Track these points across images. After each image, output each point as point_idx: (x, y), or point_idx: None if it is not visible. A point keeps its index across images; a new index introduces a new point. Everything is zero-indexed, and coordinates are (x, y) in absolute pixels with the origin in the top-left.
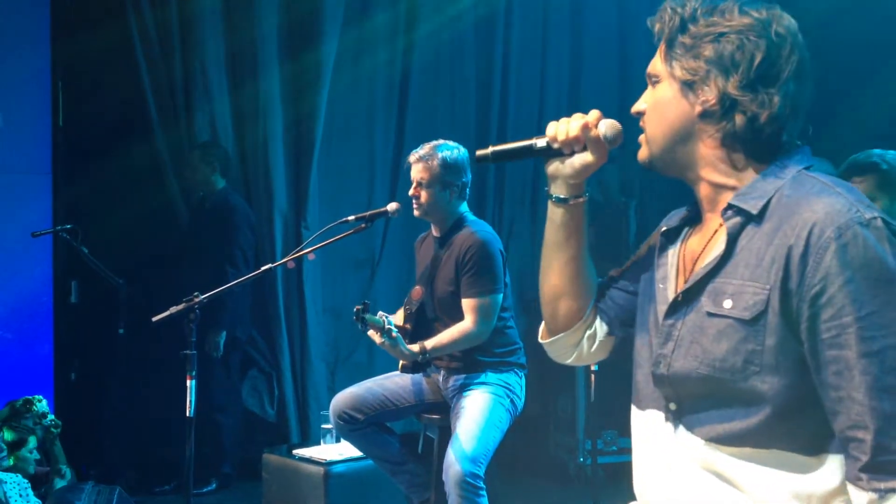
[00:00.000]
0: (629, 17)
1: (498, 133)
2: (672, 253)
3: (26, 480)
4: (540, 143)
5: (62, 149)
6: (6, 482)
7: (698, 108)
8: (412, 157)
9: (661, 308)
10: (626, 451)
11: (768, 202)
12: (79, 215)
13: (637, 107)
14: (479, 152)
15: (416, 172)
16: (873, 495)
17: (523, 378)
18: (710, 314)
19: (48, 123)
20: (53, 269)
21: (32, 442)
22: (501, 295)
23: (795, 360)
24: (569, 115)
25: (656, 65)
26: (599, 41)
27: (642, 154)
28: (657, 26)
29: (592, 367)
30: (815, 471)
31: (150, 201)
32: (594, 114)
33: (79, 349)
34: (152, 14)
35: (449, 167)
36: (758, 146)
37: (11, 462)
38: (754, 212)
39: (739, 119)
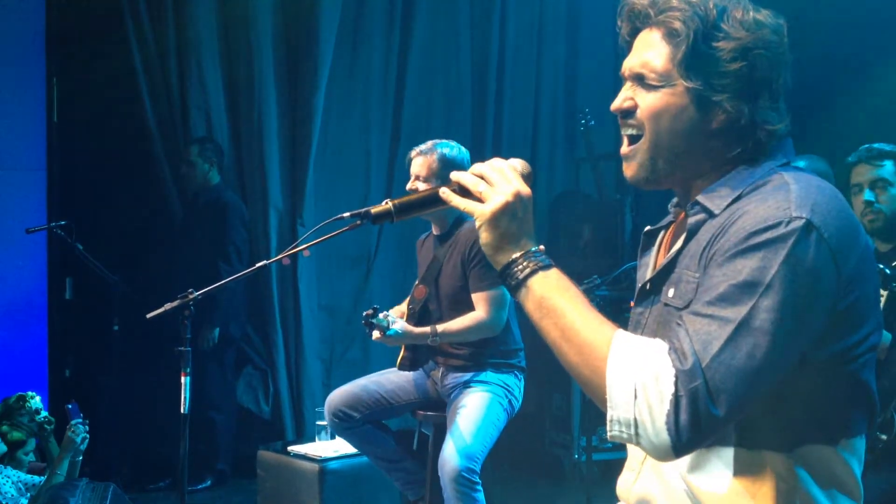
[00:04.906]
0: None
1: (494, 131)
2: (653, 250)
3: (29, 476)
4: (446, 190)
5: (57, 145)
6: None
7: (715, 125)
8: (413, 152)
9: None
10: (621, 448)
11: (731, 202)
12: (73, 212)
13: (624, 105)
14: (376, 209)
15: (416, 167)
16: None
17: (522, 381)
18: (664, 304)
19: (43, 120)
20: (48, 266)
21: (31, 444)
22: None
23: None
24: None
25: (658, 63)
26: (595, 39)
27: (636, 171)
28: (676, 24)
29: None
30: (758, 469)
31: (144, 198)
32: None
33: (73, 346)
34: (148, 11)
35: (447, 163)
36: (754, 150)
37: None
38: (716, 212)
39: (762, 134)
